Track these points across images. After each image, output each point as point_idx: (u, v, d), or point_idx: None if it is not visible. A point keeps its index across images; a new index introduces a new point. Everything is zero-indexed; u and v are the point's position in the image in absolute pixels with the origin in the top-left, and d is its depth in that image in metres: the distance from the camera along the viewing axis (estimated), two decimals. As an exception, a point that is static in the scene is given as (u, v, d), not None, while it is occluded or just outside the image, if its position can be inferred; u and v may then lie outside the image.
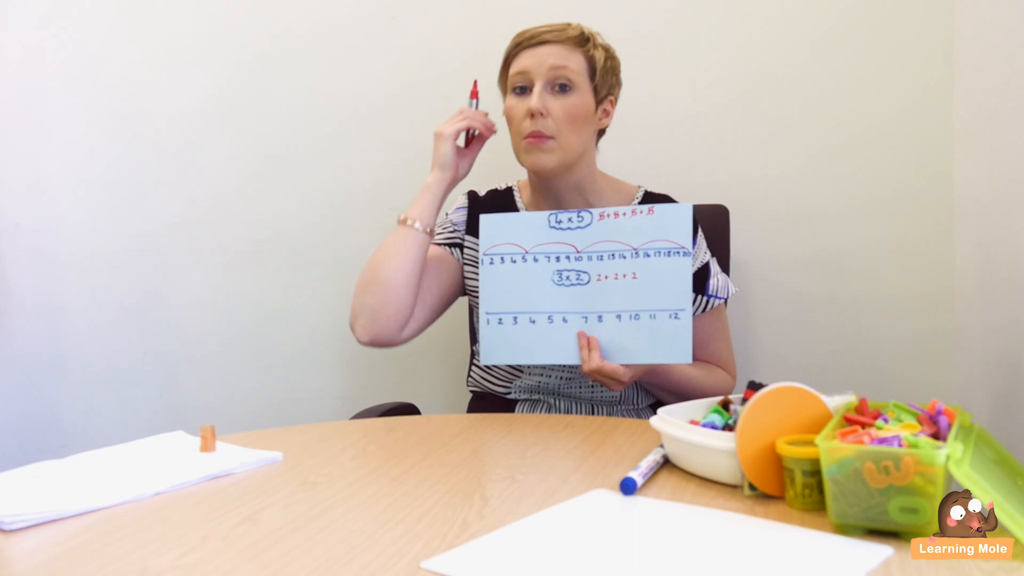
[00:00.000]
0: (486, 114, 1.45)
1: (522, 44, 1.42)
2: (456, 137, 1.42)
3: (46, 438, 2.03)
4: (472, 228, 1.51)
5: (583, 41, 1.42)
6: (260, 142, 1.98)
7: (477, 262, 1.49)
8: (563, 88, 1.40)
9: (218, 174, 2.00)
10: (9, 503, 0.93)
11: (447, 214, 1.56)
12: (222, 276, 2.01)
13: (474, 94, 1.46)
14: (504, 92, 1.47)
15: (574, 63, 1.40)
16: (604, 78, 1.44)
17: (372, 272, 1.41)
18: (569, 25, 1.43)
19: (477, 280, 1.48)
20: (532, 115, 1.38)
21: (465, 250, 1.52)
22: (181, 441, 1.20)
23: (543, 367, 1.47)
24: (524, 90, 1.42)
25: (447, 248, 1.52)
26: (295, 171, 1.98)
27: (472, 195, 1.56)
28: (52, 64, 2.00)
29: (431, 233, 1.43)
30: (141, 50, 1.99)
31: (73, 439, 2.01)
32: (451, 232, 1.53)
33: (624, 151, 1.75)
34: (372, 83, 1.94)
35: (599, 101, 1.45)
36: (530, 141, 1.40)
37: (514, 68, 1.42)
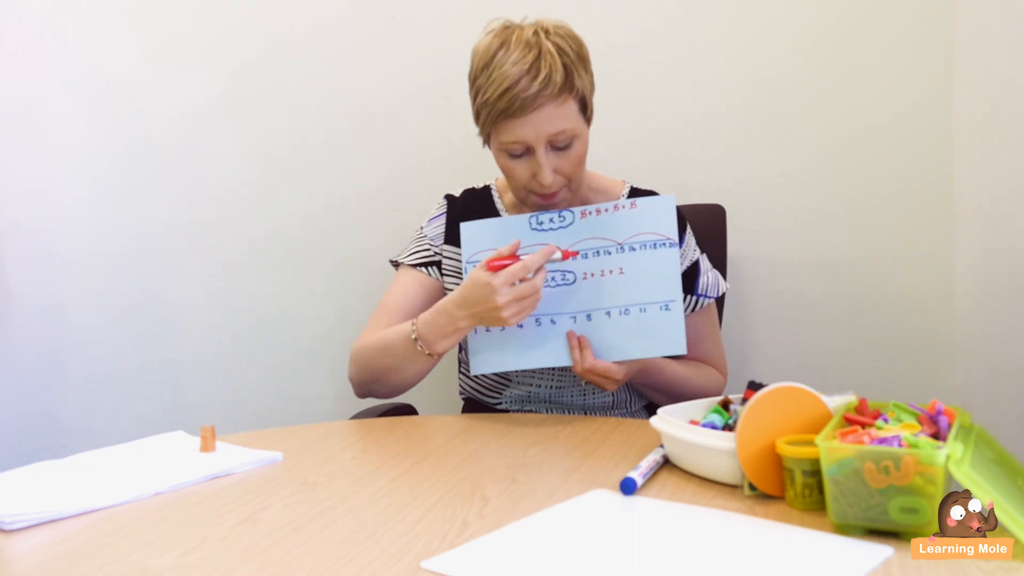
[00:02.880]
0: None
1: (513, 113, 1.28)
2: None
3: (46, 438, 2.03)
4: (451, 237, 1.47)
5: (571, 85, 1.30)
6: (261, 142, 1.98)
7: (456, 270, 1.47)
8: (565, 145, 1.33)
9: (218, 174, 2.00)
10: (9, 503, 0.93)
11: (423, 227, 1.51)
12: (222, 276, 2.01)
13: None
14: (487, 140, 1.38)
15: (572, 118, 1.31)
16: (590, 97, 1.37)
17: (375, 371, 1.39)
18: (549, 66, 1.27)
19: (458, 286, 1.46)
20: (542, 185, 1.33)
21: (444, 263, 1.47)
22: (181, 441, 1.20)
23: (531, 376, 1.44)
24: (520, 153, 1.33)
25: (424, 270, 1.48)
26: (296, 172, 1.98)
27: (450, 199, 1.51)
28: (52, 64, 2.00)
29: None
30: (141, 50, 1.99)
31: (73, 439, 2.01)
32: (426, 251, 1.48)
33: (622, 151, 1.75)
34: (372, 84, 1.93)
35: (588, 119, 1.38)
36: (541, 199, 1.36)
37: (507, 136, 1.31)
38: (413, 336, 1.32)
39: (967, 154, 1.66)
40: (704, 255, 1.49)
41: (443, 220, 1.50)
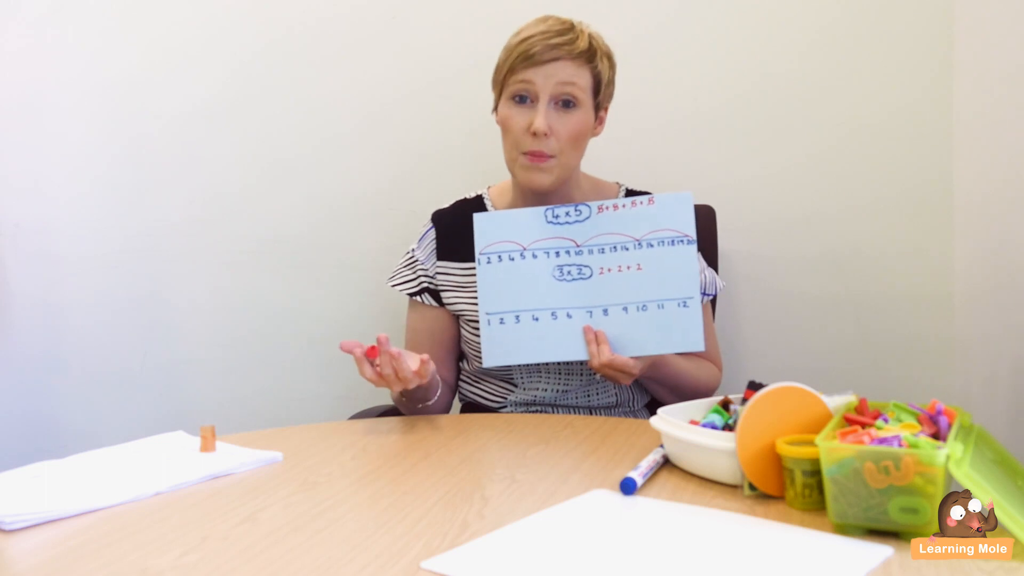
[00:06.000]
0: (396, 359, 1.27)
1: (532, 59, 1.34)
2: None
3: (46, 438, 2.03)
4: (443, 252, 1.48)
5: (591, 56, 1.37)
6: (260, 142, 1.98)
7: (455, 284, 1.47)
8: (567, 104, 1.36)
9: (218, 174, 2.00)
10: (9, 503, 0.93)
11: (413, 248, 1.51)
12: (222, 276, 2.01)
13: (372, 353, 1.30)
14: (498, 94, 1.41)
15: (582, 80, 1.36)
16: (606, 90, 1.41)
17: (409, 413, 1.45)
18: (577, 35, 1.36)
19: (460, 299, 1.46)
20: (535, 133, 1.34)
21: (439, 281, 1.48)
22: (181, 441, 1.20)
23: (537, 380, 1.44)
24: (524, 99, 1.36)
25: (419, 299, 1.48)
26: (295, 171, 1.98)
27: (437, 217, 1.51)
28: (52, 63, 2.00)
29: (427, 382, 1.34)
30: (141, 49, 1.99)
31: (73, 439, 2.00)
32: (413, 280, 1.49)
33: (612, 151, 1.74)
34: (373, 84, 1.93)
35: (597, 114, 1.42)
36: (530, 159, 1.36)
37: (518, 78, 1.36)
38: (403, 399, 1.39)
39: (967, 153, 1.66)
40: (699, 253, 1.50)
41: (432, 237, 1.50)
